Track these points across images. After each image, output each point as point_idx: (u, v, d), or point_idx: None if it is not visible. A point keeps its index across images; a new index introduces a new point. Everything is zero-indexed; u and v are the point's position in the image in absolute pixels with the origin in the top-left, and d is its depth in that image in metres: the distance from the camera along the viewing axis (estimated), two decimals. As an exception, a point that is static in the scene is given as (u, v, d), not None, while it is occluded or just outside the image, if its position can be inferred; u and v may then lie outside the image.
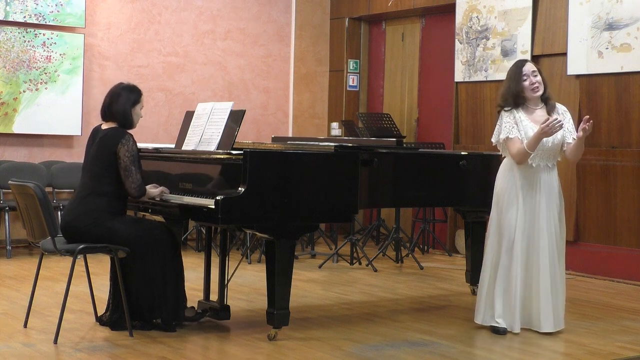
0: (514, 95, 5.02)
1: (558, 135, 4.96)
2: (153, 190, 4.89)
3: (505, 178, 5.08)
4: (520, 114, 5.02)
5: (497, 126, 5.11)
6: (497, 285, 5.02)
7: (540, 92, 5.03)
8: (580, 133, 4.89)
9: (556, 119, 4.84)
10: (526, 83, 5.00)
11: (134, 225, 4.78)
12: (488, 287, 5.06)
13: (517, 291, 4.96)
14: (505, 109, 5.05)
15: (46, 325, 4.93)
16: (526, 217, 4.99)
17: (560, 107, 5.12)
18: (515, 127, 4.99)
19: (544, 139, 4.92)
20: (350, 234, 7.95)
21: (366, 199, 5.03)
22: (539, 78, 5.02)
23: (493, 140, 5.15)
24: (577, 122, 7.56)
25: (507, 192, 5.04)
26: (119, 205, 4.81)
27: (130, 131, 4.85)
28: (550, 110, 5.06)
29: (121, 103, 4.83)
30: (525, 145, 4.91)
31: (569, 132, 5.03)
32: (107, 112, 4.86)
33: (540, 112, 5.05)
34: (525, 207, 4.99)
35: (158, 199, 4.92)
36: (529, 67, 5.03)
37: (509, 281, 4.99)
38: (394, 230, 7.98)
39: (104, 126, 4.87)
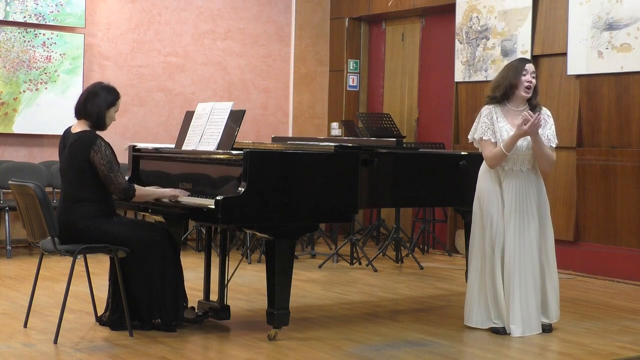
0: (508, 85, 4.99)
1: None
2: (164, 190, 4.85)
3: (484, 178, 5.07)
4: (498, 114, 5.01)
5: (474, 123, 5.10)
6: (488, 286, 5.01)
7: (529, 95, 5.01)
8: (522, 123, 4.80)
9: (538, 114, 4.84)
10: (524, 78, 4.98)
11: (133, 226, 4.78)
12: (480, 289, 5.05)
13: (502, 292, 4.96)
14: (487, 105, 5.05)
15: (46, 325, 4.93)
16: (503, 218, 4.98)
17: (545, 112, 5.09)
18: (491, 128, 4.98)
19: (518, 144, 4.90)
20: (350, 234, 7.95)
21: (366, 199, 5.03)
22: (535, 81, 5.01)
23: (469, 137, 5.14)
24: (578, 123, 7.61)
25: (486, 192, 5.03)
26: (106, 208, 4.77)
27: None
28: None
29: (97, 103, 4.75)
30: (502, 146, 4.89)
31: (547, 138, 4.97)
32: (82, 109, 4.77)
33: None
34: (503, 207, 4.98)
35: (167, 200, 4.85)
36: (531, 67, 5.03)
37: (494, 282, 4.99)
38: (394, 230, 7.98)
39: (75, 128, 4.79)
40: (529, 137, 4.91)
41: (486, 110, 5.05)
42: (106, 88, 4.84)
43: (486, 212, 5.02)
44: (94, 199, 4.71)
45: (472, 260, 5.11)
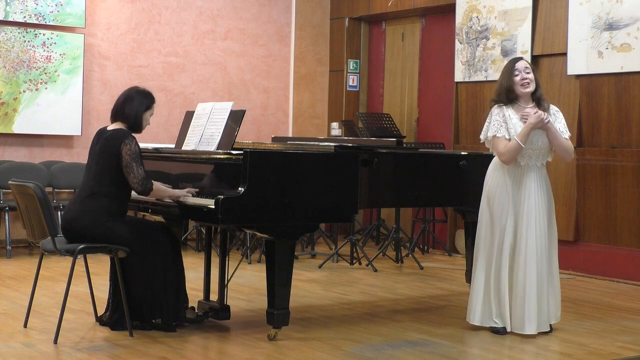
0: (505, 90, 5.02)
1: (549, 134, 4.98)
2: (175, 190, 4.85)
3: (495, 177, 5.07)
4: (510, 112, 5.02)
5: (486, 123, 5.11)
6: (493, 285, 5.01)
7: (530, 89, 5.01)
8: (526, 122, 4.93)
9: (533, 106, 4.95)
10: (517, 78, 5.00)
11: (134, 226, 4.78)
12: (485, 287, 5.05)
13: (506, 291, 4.97)
14: (497, 105, 5.06)
15: (46, 325, 4.93)
16: (515, 217, 4.98)
17: (553, 108, 5.11)
18: (504, 126, 4.99)
19: (534, 138, 4.93)
20: (350, 234, 7.95)
21: (366, 199, 5.03)
22: (530, 75, 5.02)
23: (481, 137, 5.14)
24: (578, 123, 7.61)
25: (497, 191, 5.02)
26: (120, 207, 4.80)
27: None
28: (542, 111, 5.04)
29: (134, 106, 4.84)
30: (517, 137, 4.90)
31: (560, 131, 5.01)
32: (119, 112, 4.86)
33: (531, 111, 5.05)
34: (514, 206, 4.98)
35: (176, 201, 4.83)
36: (522, 64, 5.04)
37: (499, 281, 4.99)
38: (394, 230, 7.98)
39: (110, 127, 4.87)
40: (541, 132, 4.95)
41: (497, 109, 5.05)
42: (142, 92, 4.93)
43: (496, 210, 5.00)
44: (111, 196, 4.73)
45: (478, 258, 5.09)
